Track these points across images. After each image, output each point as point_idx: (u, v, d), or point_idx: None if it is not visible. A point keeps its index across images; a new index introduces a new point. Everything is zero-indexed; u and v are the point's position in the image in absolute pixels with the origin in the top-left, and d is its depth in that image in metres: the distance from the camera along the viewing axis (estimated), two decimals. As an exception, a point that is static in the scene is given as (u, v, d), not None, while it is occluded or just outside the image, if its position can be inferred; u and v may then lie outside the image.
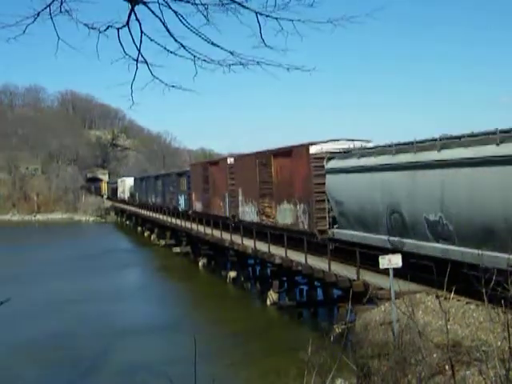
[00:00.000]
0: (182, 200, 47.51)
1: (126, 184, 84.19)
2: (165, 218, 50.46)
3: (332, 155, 21.37)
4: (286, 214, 25.15)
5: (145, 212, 61.64)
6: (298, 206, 23.87)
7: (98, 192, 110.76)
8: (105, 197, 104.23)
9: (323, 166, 21.42)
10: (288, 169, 25.00)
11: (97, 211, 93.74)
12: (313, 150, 22.37)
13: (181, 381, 7.23)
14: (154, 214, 56.03)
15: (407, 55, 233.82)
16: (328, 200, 21.29)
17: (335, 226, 21.00)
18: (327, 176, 21.11)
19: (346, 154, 20.73)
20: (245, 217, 30.90)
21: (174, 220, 45.63)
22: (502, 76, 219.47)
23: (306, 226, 23.08)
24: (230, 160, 34.18)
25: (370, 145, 21.28)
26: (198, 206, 41.43)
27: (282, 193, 25.69)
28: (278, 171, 26.33)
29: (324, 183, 21.36)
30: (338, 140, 22.48)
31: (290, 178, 24.77)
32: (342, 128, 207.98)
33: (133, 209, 73.91)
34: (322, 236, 21.53)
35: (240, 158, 33.42)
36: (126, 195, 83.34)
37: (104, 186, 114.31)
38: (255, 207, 29.22)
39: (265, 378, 16.10)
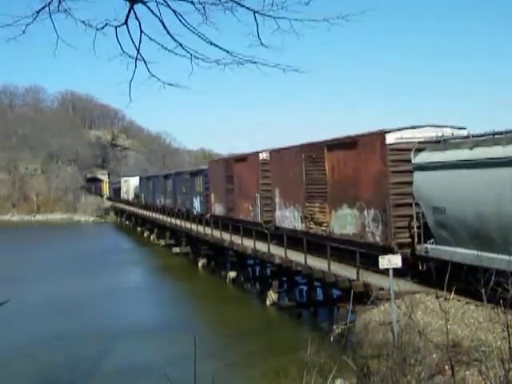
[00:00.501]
0: (197, 202, 43.02)
1: (131, 184, 79.67)
2: (173, 220, 45.96)
3: (421, 146, 16.52)
4: (345, 222, 20.47)
5: (145, 212, 61.38)
6: (365, 212, 19.06)
7: (99, 192, 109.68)
8: (105, 197, 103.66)
9: (408, 160, 16.69)
10: (350, 164, 20.20)
11: (96, 211, 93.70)
12: (390, 139, 17.60)
13: (181, 381, 7.23)
14: (155, 214, 55.39)
15: (407, 54, 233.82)
16: (417, 204, 16.34)
17: (430, 241, 15.81)
18: (416, 173, 16.25)
19: (447, 143, 15.84)
20: (284, 223, 26.12)
21: (173, 220, 45.33)
22: (502, 76, 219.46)
23: (377, 238, 18.23)
24: (263, 155, 29.03)
25: (463, 132, 16.98)
26: (218, 210, 36.53)
27: (341, 194, 20.80)
28: (333, 167, 21.49)
29: (408, 182, 16.68)
30: (421, 127, 17.96)
31: (352, 176, 19.96)
32: (342, 127, 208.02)
33: (138, 211, 68.14)
34: (403, 251, 16.49)
35: (277, 153, 27.67)
36: (131, 196, 78.81)
37: (105, 186, 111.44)
38: (299, 212, 24.42)
39: (265, 378, 16.08)
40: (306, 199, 23.72)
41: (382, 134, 17.95)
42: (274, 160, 27.85)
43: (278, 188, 26.86)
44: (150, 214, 57.97)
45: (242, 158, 33.01)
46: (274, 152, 28.14)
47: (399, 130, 17.86)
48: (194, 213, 42.34)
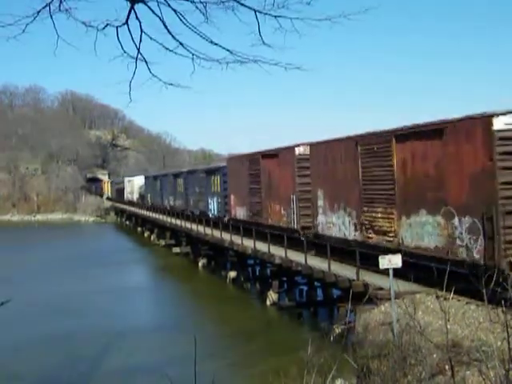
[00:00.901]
0: (213, 204, 38.59)
1: (135, 184, 74.71)
2: (173, 220, 44.88)
3: None
4: (422, 232, 16.52)
5: (145, 212, 61.28)
6: (455, 220, 15.21)
7: (100, 192, 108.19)
8: (105, 197, 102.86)
9: None
10: (431, 158, 16.21)
11: (96, 211, 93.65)
12: (499, 124, 13.89)
13: (181, 381, 7.22)
14: (157, 215, 55.06)
15: (406, 54, 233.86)
16: None
17: None
18: None
19: None
20: (329, 230, 22.17)
21: (173, 220, 45.12)
22: (502, 76, 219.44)
23: (475, 255, 14.39)
24: (301, 149, 24.88)
25: None
26: (239, 213, 32.11)
27: (416, 197, 16.80)
28: (405, 162, 17.30)
29: None
30: None
31: (435, 174, 16.03)
32: (342, 127, 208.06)
33: (139, 211, 66.07)
34: None
35: (320, 146, 23.33)
36: (135, 196, 73.93)
37: (106, 186, 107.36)
38: (352, 218, 20.42)
39: (265, 378, 16.07)
40: (363, 202, 19.46)
41: (486, 118, 14.13)
42: (316, 155, 23.38)
43: (322, 189, 22.73)
44: (151, 214, 57.63)
45: (271, 154, 27.98)
46: (316, 145, 23.69)
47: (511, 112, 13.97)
48: (210, 216, 37.86)
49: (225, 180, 35.49)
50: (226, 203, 35.18)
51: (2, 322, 22.82)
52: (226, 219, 34.12)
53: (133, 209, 71.14)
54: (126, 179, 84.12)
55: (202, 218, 37.34)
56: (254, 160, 29.93)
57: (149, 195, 65.13)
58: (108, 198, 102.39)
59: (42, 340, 21.85)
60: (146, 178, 69.57)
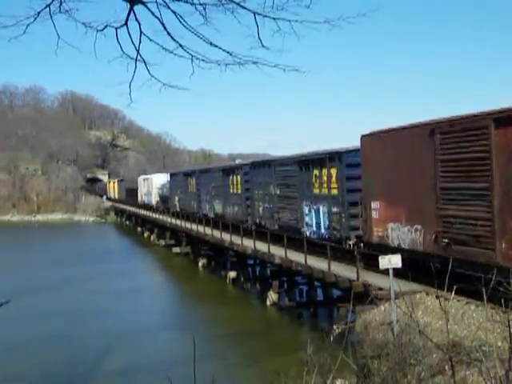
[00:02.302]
0: (316, 215, 22.96)
1: (154, 183, 60.81)
2: (173, 220, 43.22)
3: None
4: None
5: (144, 212, 61.18)
6: None
7: (103, 193, 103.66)
8: (104, 197, 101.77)
9: None
10: None
11: (96, 211, 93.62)
12: None
13: (181, 381, 7.23)
14: (154, 215, 54.50)
15: (406, 54, 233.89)
16: None
17: None
18: None
19: None
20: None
21: (174, 221, 44.77)
22: (502, 77, 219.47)
23: None
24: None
25: None
26: (402, 235, 16.84)
27: None
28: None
29: None
30: None
31: None
32: (342, 127, 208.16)
33: (138, 211, 62.10)
34: None
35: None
36: (154, 199, 60.36)
37: (112, 186, 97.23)
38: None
39: (265, 379, 16.09)
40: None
41: None
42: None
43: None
44: (148, 213, 57.28)
45: None
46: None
47: None
48: (309, 234, 23.45)
49: (349, 175, 20.70)
50: (350, 215, 20.66)
51: (2, 322, 22.83)
52: (351, 243, 20.38)
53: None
54: (141, 178, 70.85)
55: (283, 234, 23.76)
56: (470, 128, 14.32)
57: (176, 198, 49.89)
58: (111, 199, 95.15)
59: (43, 340, 21.86)
60: (171, 175, 53.69)
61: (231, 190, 34.23)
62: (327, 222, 22.21)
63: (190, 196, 45.07)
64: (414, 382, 9.63)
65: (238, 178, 32.79)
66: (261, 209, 29.29)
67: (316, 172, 23.13)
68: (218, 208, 36.92)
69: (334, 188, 21.64)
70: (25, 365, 18.86)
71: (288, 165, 26.20)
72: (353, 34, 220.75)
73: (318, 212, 22.91)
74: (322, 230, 22.57)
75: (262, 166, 29.61)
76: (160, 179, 59.33)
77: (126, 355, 19.66)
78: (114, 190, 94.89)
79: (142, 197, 67.82)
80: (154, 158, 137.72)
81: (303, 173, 24.21)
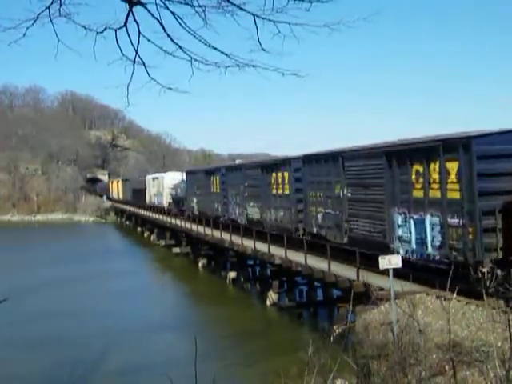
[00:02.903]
0: (423, 230, 16.29)
1: (166, 182, 54.12)
2: (173, 220, 43.53)
3: None
4: None
5: (144, 212, 61.09)
6: None
7: (105, 193, 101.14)
8: (104, 197, 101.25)
9: None
10: None
11: (96, 211, 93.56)
12: None
13: (181, 381, 7.24)
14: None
15: (406, 55, 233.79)
16: None
17: None
18: None
19: None
20: None
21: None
22: (502, 76, 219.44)
23: None
24: None
25: None
26: None
27: None
28: None
29: None
30: None
31: None
32: (342, 127, 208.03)
33: (138, 211, 60.50)
34: None
35: None
36: (165, 200, 53.78)
37: (116, 186, 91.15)
38: None
39: (265, 379, 16.09)
40: None
41: None
42: None
43: None
44: (148, 213, 56.81)
45: None
46: None
47: None
48: (402, 253, 16.73)
49: (484, 170, 14.51)
50: (483, 230, 14.35)
51: (2, 322, 22.84)
52: (486, 271, 14.07)
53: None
54: (150, 177, 63.93)
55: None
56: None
57: (194, 200, 43.26)
58: (115, 201, 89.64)
59: (43, 340, 21.85)
60: (188, 173, 46.98)
61: (274, 191, 27.65)
62: (439, 239, 15.71)
63: (212, 197, 38.25)
64: (414, 382, 9.63)
65: (286, 175, 26.32)
66: (320, 215, 22.92)
67: (418, 167, 16.65)
68: (254, 212, 30.36)
69: (454, 190, 15.13)
70: (24, 365, 18.86)
71: (367, 158, 19.70)
72: (353, 34, 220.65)
73: (420, 223, 16.51)
74: (430, 250, 16.03)
75: (321, 160, 22.87)
76: (173, 178, 52.96)
77: (126, 355, 19.66)
78: (117, 190, 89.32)
79: (150, 198, 61.37)
80: (154, 158, 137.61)
81: (394, 169, 17.70)
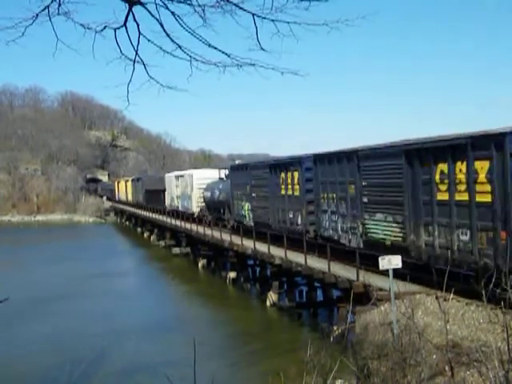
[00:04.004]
0: None
1: (195, 181, 43.20)
2: (173, 220, 42.26)
3: None
4: None
5: (144, 212, 60.88)
6: None
7: (109, 194, 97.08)
8: (104, 198, 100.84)
9: None
10: None
11: (96, 212, 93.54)
12: None
13: (181, 381, 7.23)
14: (154, 215, 53.34)
15: (405, 55, 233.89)
16: None
17: None
18: None
19: None
20: None
21: (173, 221, 44.34)
22: (503, 76, 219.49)
23: None
24: None
25: None
26: None
27: None
28: None
29: None
30: None
31: None
32: (342, 128, 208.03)
33: (138, 211, 57.12)
34: None
35: None
36: (195, 204, 42.74)
37: (123, 187, 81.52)
38: None
39: (265, 379, 16.08)
40: None
41: None
42: None
43: None
44: (148, 213, 56.09)
45: None
46: None
47: None
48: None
49: None
50: None
51: (2, 322, 22.84)
52: None
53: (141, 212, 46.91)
54: (172, 174, 53.17)
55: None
56: None
57: (246, 206, 31.35)
58: (121, 203, 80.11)
59: (42, 340, 21.86)
60: (234, 169, 34.76)
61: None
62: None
63: (283, 203, 26.12)
64: (413, 383, 9.62)
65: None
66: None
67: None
68: (386, 230, 18.21)
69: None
70: (24, 365, 18.85)
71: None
72: (354, 34, 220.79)
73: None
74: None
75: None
76: (205, 176, 42.76)
77: (125, 355, 19.65)
78: (125, 191, 78.36)
79: (172, 201, 51.00)
80: (153, 158, 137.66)
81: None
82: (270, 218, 27.73)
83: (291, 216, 25.34)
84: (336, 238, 21.25)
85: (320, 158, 22.99)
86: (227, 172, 37.00)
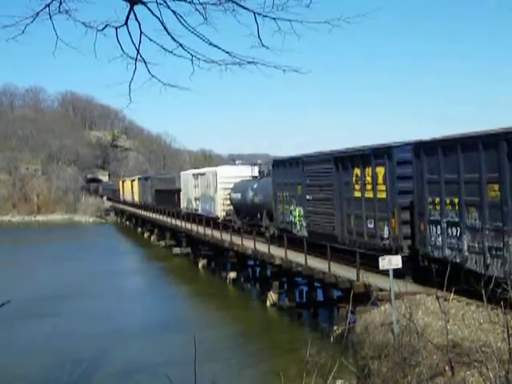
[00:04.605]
0: None
1: (220, 181, 36.85)
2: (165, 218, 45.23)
3: None
4: None
5: (144, 212, 60.86)
6: None
7: (112, 195, 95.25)
8: (104, 198, 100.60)
9: None
10: None
11: (96, 212, 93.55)
12: None
13: (181, 381, 7.22)
14: (154, 215, 53.57)
15: (406, 54, 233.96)
16: None
17: None
18: None
19: None
20: None
21: (173, 221, 44.48)
22: (503, 76, 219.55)
23: None
24: None
25: None
26: None
27: None
28: None
29: None
30: None
31: None
32: (342, 128, 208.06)
33: (144, 213, 54.63)
34: None
35: None
36: (220, 207, 36.59)
37: (128, 187, 76.67)
38: None
39: (265, 379, 16.09)
40: None
41: None
42: None
43: None
44: (148, 213, 55.94)
45: None
46: None
47: None
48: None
49: None
50: None
51: (2, 323, 22.82)
52: None
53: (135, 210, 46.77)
54: (188, 173, 47.85)
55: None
56: None
57: (297, 211, 24.72)
58: (127, 204, 74.70)
59: (42, 340, 21.85)
60: (279, 164, 27.19)
61: None
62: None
63: (355, 207, 20.36)
64: (413, 383, 9.62)
65: None
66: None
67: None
68: None
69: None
70: (24, 365, 18.84)
71: None
72: (354, 34, 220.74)
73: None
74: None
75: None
76: (232, 173, 36.47)
77: (125, 355, 19.65)
78: (130, 191, 73.16)
79: (189, 203, 44.63)
80: (154, 158, 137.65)
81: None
82: (336, 227, 21.32)
83: (371, 226, 19.15)
84: (459, 260, 14.66)
85: (429, 147, 16.27)
86: (263, 168, 32.51)
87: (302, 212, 24.08)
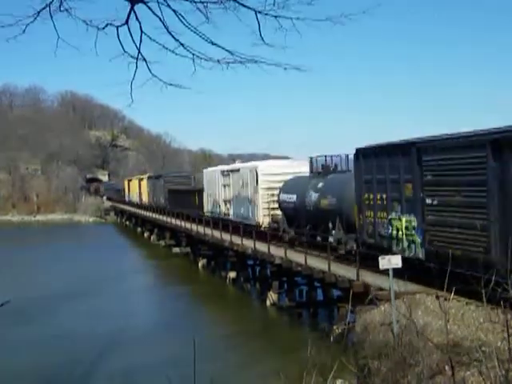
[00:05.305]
0: None
1: (261, 179, 29.70)
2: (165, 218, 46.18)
3: None
4: None
5: (144, 212, 60.91)
6: None
7: (114, 195, 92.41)
8: (104, 197, 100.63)
9: None
10: None
11: (96, 212, 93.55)
12: None
13: (180, 381, 7.23)
14: (154, 215, 54.17)
15: (406, 55, 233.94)
16: None
17: None
18: None
19: None
20: None
21: (173, 221, 44.84)
22: (502, 78, 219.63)
23: None
24: None
25: None
26: None
27: None
28: None
29: None
30: None
31: None
32: (343, 128, 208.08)
33: (144, 213, 54.48)
34: None
35: None
36: (261, 213, 29.51)
37: (137, 186, 69.50)
38: None
39: (265, 379, 16.08)
40: None
41: None
42: None
43: None
44: (148, 213, 56.33)
45: None
46: None
47: None
48: None
49: None
50: None
51: (2, 323, 22.82)
52: None
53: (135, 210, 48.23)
54: (215, 169, 39.78)
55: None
56: None
57: (403, 221, 16.86)
58: (135, 205, 67.51)
59: (42, 340, 21.85)
60: (365, 154, 18.81)
61: None
62: None
63: None
64: (413, 383, 9.62)
65: None
66: None
67: None
68: None
69: None
70: (24, 365, 18.85)
71: None
72: (354, 33, 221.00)
73: None
74: None
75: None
76: (278, 169, 29.72)
77: (125, 355, 19.66)
78: (138, 191, 67.07)
79: (215, 206, 37.61)
80: (154, 158, 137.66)
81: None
82: (493, 248, 13.38)
83: None
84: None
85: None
86: (328, 163, 24.75)
87: (414, 222, 16.58)
